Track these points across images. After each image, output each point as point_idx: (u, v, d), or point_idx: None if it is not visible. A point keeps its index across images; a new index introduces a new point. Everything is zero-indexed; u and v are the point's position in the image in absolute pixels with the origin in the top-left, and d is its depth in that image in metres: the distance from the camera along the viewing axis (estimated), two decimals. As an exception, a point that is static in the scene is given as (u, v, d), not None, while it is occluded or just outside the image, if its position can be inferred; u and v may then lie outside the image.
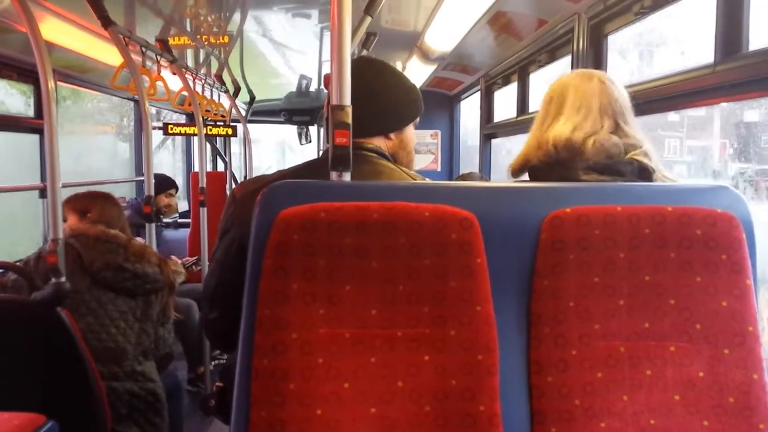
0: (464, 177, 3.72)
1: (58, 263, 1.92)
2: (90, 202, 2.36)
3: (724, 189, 1.15)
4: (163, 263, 2.31)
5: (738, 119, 2.95)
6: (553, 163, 1.34)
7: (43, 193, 3.54)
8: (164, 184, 4.27)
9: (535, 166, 1.38)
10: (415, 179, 1.38)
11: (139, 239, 3.79)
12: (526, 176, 1.44)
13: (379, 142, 1.44)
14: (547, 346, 1.07)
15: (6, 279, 2.22)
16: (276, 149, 11.81)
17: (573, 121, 1.34)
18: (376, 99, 1.43)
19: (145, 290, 2.24)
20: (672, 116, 3.52)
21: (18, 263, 2.24)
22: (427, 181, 1.37)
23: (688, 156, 3.69)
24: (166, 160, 7.41)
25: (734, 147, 3.05)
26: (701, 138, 3.55)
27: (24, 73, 3.26)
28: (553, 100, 1.41)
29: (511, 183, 1.34)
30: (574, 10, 2.52)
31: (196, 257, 3.87)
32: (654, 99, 1.91)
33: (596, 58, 2.45)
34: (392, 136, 1.47)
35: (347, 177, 1.16)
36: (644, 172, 1.30)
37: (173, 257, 3.68)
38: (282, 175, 1.38)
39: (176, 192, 4.60)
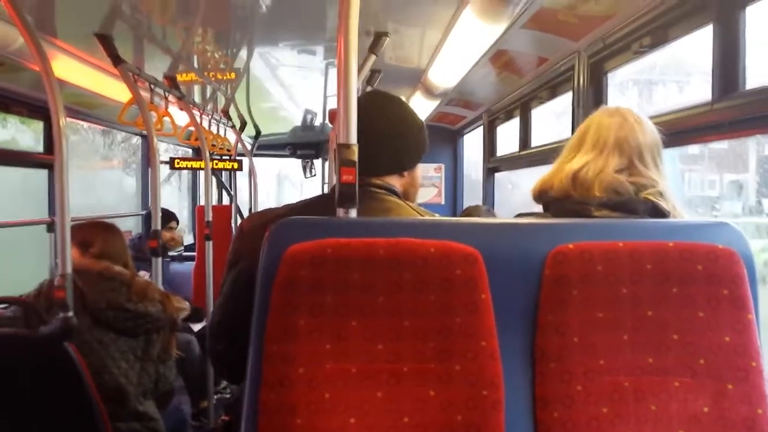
0: (471, 210, 3.73)
1: (66, 298, 1.93)
2: (92, 235, 2.32)
3: (725, 225, 1.17)
4: (166, 300, 2.30)
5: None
6: (566, 197, 1.37)
7: (50, 228, 3.56)
8: (164, 218, 4.31)
9: (549, 199, 1.41)
10: (422, 215, 1.40)
11: (143, 273, 3.81)
12: (535, 208, 1.47)
13: (392, 180, 1.45)
14: (552, 382, 1.08)
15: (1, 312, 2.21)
16: (273, 181, 11.85)
17: (586, 158, 1.37)
18: (395, 136, 1.43)
19: (147, 330, 2.22)
20: (692, 148, 3.38)
21: (22, 297, 2.25)
22: (435, 216, 1.39)
23: (710, 190, 3.57)
24: (170, 196, 7.47)
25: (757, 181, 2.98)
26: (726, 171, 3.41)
27: (34, 109, 3.32)
28: (578, 134, 1.44)
29: (516, 219, 1.36)
30: (574, 49, 2.57)
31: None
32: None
33: (596, 94, 2.49)
34: (405, 174, 1.48)
35: (353, 214, 1.19)
36: (658, 213, 1.32)
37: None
38: (290, 209, 1.40)
39: (177, 225, 4.64)
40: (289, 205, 1.46)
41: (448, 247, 1.08)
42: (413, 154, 1.48)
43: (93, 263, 2.22)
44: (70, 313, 1.94)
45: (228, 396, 3.80)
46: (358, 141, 1.18)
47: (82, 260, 2.25)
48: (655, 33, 2.04)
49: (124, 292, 2.18)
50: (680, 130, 1.85)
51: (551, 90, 3.15)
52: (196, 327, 3.95)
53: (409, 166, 1.48)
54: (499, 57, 3.08)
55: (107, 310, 2.14)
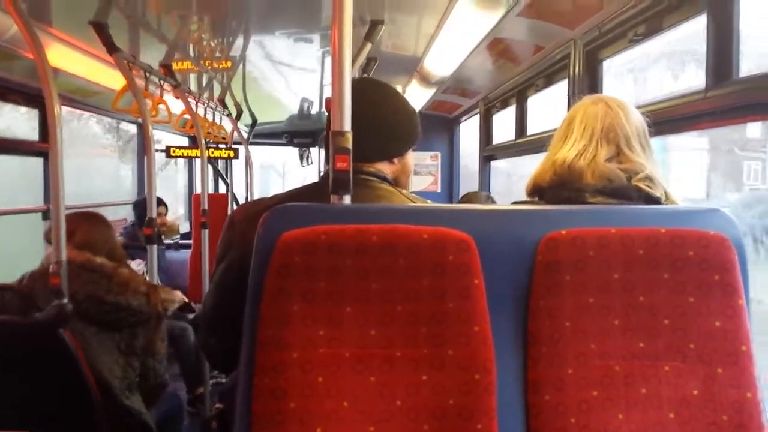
0: (471, 196, 3.71)
1: (61, 284, 1.94)
2: (73, 224, 2.22)
3: (717, 211, 1.17)
4: (152, 292, 2.22)
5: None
6: (560, 185, 1.37)
7: (45, 215, 3.57)
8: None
9: (543, 187, 1.41)
10: (414, 202, 1.40)
11: (138, 261, 3.81)
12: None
13: (382, 167, 1.45)
14: (543, 366, 1.09)
15: None
16: (260, 172, 11.74)
17: (578, 146, 1.37)
18: (384, 124, 1.44)
19: (130, 323, 2.17)
20: (752, 130, 2.98)
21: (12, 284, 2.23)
22: (429, 203, 1.39)
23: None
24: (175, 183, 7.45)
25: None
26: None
27: (30, 98, 3.31)
28: (565, 123, 1.44)
29: (509, 206, 1.37)
30: (570, 37, 2.57)
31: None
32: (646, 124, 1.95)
33: (592, 82, 2.50)
34: (395, 160, 1.48)
35: (347, 200, 1.19)
36: (651, 200, 1.32)
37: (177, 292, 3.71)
38: (280, 199, 1.39)
39: (165, 211, 4.65)
40: (279, 195, 1.45)
41: (442, 233, 1.08)
42: (403, 141, 1.48)
43: (74, 255, 2.14)
44: (65, 300, 1.94)
45: (223, 382, 3.81)
46: (352, 126, 1.18)
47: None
48: (650, 21, 2.05)
49: (104, 284, 2.13)
50: (674, 117, 1.86)
51: (547, 78, 3.15)
52: (191, 315, 3.96)
53: (399, 153, 1.47)
54: (495, 45, 3.08)
55: (86, 302, 2.09)
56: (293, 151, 6.87)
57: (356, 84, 1.47)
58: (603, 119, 1.39)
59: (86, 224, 2.31)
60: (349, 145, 1.18)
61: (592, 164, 1.34)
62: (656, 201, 1.33)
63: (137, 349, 2.20)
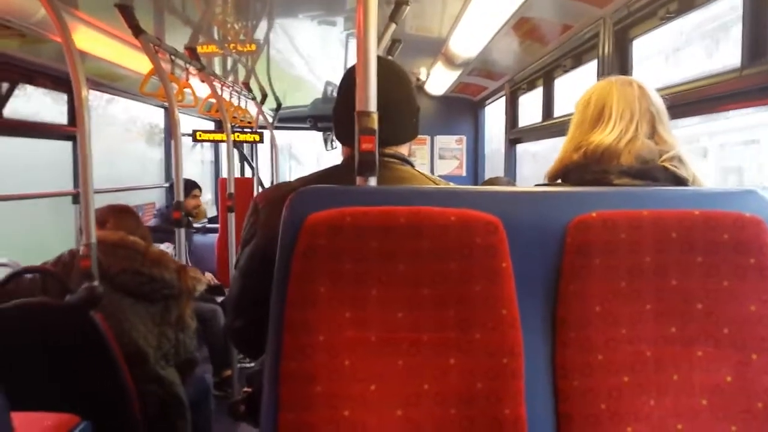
0: (491, 181, 3.71)
1: (91, 267, 1.96)
2: (104, 216, 2.42)
3: (752, 193, 1.14)
4: (182, 270, 2.35)
5: None
6: (584, 166, 1.34)
7: (76, 199, 3.62)
8: (188, 187, 4.38)
9: (566, 170, 1.39)
10: (438, 184, 1.39)
11: (166, 245, 3.86)
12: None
13: (403, 149, 1.45)
14: (572, 351, 1.07)
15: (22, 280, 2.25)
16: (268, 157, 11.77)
17: (619, 128, 1.34)
18: (409, 106, 1.44)
19: (163, 295, 2.29)
20: None
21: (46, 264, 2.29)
22: (451, 185, 1.38)
23: None
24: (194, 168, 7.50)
25: None
26: None
27: (58, 81, 3.34)
28: (591, 104, 1.40)
29: (536, 188, 1.35)
30: (599, 15, 2.51)
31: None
32: (680, 104, 1.90)
33: (622, 62, 2.44)
34: (408, 143, 1.49)
35: (373, 182, 1.18)
36: (678, 181, 1.30)
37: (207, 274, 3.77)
38: (305, 182, 1.39)
39: (200, 193, 4.71)
40: (303, 177, 1.45)
41: (469, 216, 1.07)
42: (417, 123, 1.48)
43: (109, 234, 2.29)
44: (96, 282, 1.97)
45: (250, 366, 3.87)
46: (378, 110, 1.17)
47: (99, 232, 2.29)
48: (683, -3, 1.99)
49: (139, 258, 2.25)
50: (709, 96, 1.81)
51: (575, 58, 3.09)
52: (220, 298, 4.01)
53: (416, 135, 1.49)
54: (521, 25, 3.03)
55: (123, 275, 2.20)
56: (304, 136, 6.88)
57: (380, 64, 1.46)
58: (639, 100, 1.36)
59: (117, 215, 2.45)
60: (375, 126, 1.17)
61: (629, 145, 1.31)
62: (683, 182, 1.29)
63: (171, 322, 2.31)
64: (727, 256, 1.07)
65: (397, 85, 1.41)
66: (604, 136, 1.34)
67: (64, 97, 3.55)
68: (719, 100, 1.86)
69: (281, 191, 1.32)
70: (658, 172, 1.29)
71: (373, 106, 1.17)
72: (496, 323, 1.05)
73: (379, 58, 1.23)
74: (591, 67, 2.83)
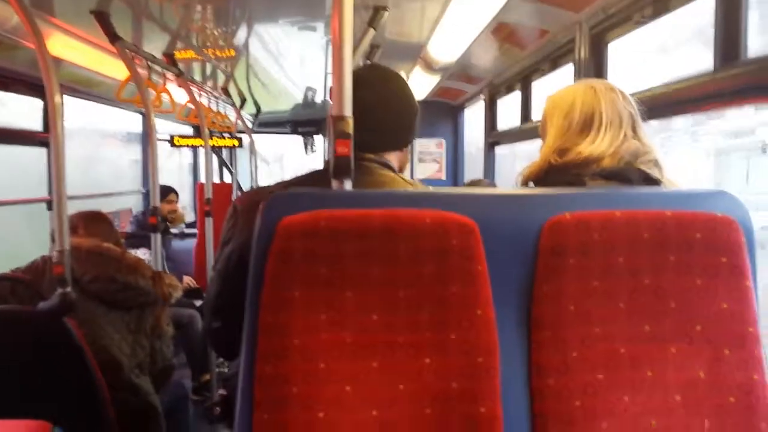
0: (473, 183, 3.74)
1: (64, 273, 1.94)
2: (77, 221, 2.37)
3: (724, 194, 1.16)
4: (157, 277, 2.31)
5: None
6: (566, 169, 1.34)
7: (50, 206, 3.57)
8: (163, 192, 4.36)
9: (547, 170, 1.38)
10: (416, 188, 1.39)
11: (142, 251, 3.83)
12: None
13: (391, 156, 1.45)
14: (547, 350, 1.08)
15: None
16: (248, 162, 11.68)
17: (609, 136, 1.34)
18: (401, 114, 1.44)
19: (138, 303, 2.24)
20: None
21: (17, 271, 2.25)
22: (429, 188, 1.38)
23: None
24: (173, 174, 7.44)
25: None
26: None
27: (33, 87, 3.30)
28: (577, 110, 1.38)
29: (512, 190, 1.35)
30: (576, 20, 2.54)
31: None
32: (654, 106, 1.92)
33: (597, 66, 2.47)
34: (404, 149, 1.49)
35: (348, 186, 1.18)
36: (650, 182, 1.30)
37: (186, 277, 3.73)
38: (283, 185, 1.39)
39: (177, 198, 4.69)
40: (282, 182, 1.45)
41: (444, 218, 1.07)
42: (414, 129, 1.48)
43: (83, 240, 2.24)
44: (69, 289, 1.94)
45: (226, 370, 3.84)
46: (364, 116, 1.18)
47: (73, 239, 2.24)
48: (657, 2, 2.02)
49: (114, 265, 2.20)
50: (682, 99, 1.84)
51: (552, 62, 3.12)
52: (199, 302, 3.99)
53: (410, 142, 1.48)
54: (500, 30, 3.05)
55: (96, 282, 2.16)
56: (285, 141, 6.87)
57: (368, 72, 1.45)
58: (624, 105, 1.37)
59: (86, 221, 2.40)
60: (350, 130, 1.16)
61: (623, 147, 1.32)
62: (655, 183, 1.31)
63: (146, 330, 2.27)
64: (700, 255, 1.09)
65: (383, 91, 1.41)
66: (594, 147, 1.33)
67: (41, 103, 3.51)
68: (692, 102, 1.88)
69: (259, 195, 1.32)
70: (632, 174, 1.30)
71: (348, 110, 1.17)
72: (471, 323, 1.05)
73: (373, 65, 1.23)
74: (567, 70, 2.86)
